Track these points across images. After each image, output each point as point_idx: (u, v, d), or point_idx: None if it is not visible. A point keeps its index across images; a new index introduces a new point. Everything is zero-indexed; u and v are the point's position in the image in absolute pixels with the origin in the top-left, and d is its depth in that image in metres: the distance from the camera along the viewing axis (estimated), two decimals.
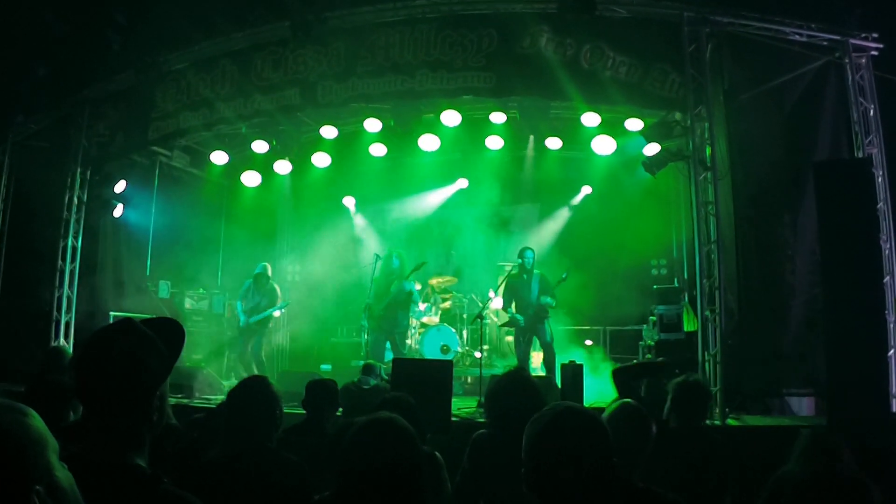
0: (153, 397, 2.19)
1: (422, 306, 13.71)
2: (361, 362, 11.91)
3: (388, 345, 12.19)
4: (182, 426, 5.21)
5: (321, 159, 14.02)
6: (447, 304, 14.24)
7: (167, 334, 2.28)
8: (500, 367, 11.47)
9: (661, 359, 10.36)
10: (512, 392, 4.39)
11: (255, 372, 12.07)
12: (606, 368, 12.09)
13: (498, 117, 12.37)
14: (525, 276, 11.74)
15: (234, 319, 14.29)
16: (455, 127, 12.36)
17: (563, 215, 15.02)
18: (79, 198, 13.00)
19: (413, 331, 13.45)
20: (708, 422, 9.09)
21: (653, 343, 11.59)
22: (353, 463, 2.80)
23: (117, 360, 2.11)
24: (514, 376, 4.63)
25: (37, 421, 1.59)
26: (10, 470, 1.49)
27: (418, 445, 2.90)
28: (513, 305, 11.78)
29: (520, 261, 11.81)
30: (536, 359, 12.43)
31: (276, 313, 13.56)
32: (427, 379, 8.09)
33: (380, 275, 12.39)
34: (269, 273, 13.46)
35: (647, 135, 11.03)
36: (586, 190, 14.90)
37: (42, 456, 1.55)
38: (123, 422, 2.12)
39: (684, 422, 5.15)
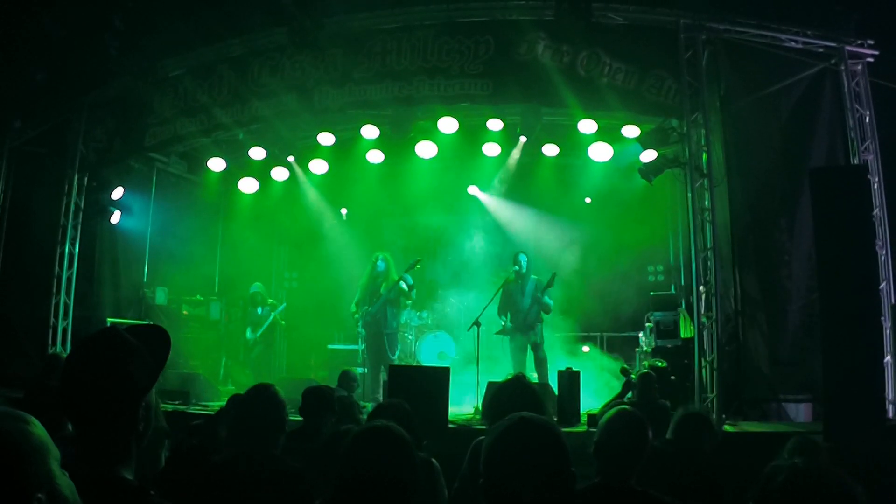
0: (139, 407, 2.16)
1: (419, 313, 13.74)
2: (360, 370, 11.95)
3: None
4: (182, 433, 5.22)
5: (318, 166, 14.05)
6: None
7: (153, 342, 2.25)
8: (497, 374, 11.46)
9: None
10: (512, 399, 4.40)
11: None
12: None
13: (495, 124, 12.37)
14: (520, 281, 11.73)
15: (232, 326, 14.35)
16: (452, 134, 12.36)
17: (559, 221, 15.02)
18: (76, 204, 12.99)
19: (409, 336, 13.44)
20: None
21: (649, 349, 11.59)
22: (349, 470, 2.81)
23: (100, 371, 2.09)
24: (515, 383, 4.64)
25: (38, 429, 1.60)
26: (12, 477, 1.49)
27: (414, 454, 2.91)
28: (507, 312, 11.77)
29: (515, 266, 11.79)
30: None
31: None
32: (424, 385, 8.10)
33: (366, 279, 12.40)
34: (262, 291, 14.06)
35: (644, 141, 11.04)
36: (590, 198, 14.90)
37: (44, 464, 1.56)
38: (109, 433, 2.09)
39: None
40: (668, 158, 10.80)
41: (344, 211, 16.11)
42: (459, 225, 15.68)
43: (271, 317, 13.67)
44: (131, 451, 2.15)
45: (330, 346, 14.50)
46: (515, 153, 13.60)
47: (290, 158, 13.93)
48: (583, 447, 3.51)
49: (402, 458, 2.83)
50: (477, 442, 4.53)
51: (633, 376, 8.72)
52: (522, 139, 12.82)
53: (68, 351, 11.88)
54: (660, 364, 9.90)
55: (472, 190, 15.20)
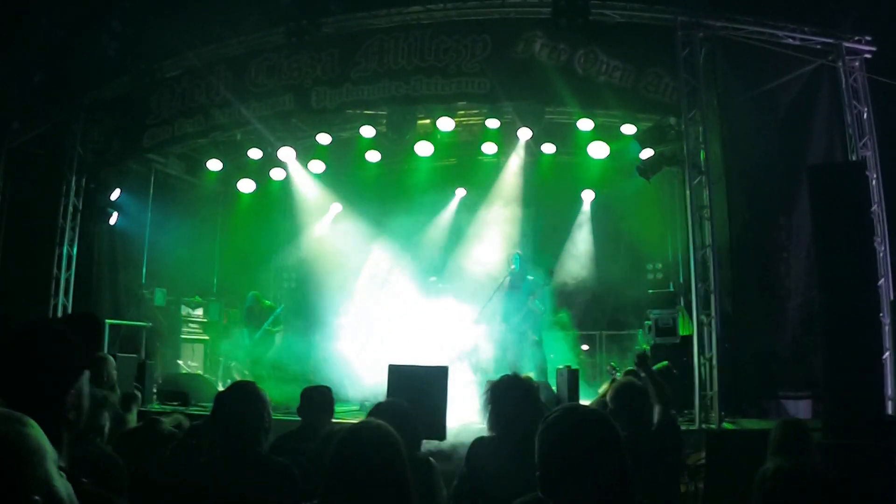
0: (67, 395, 2.14)
1: None
2: None
3: None
4: (180, 433, 5.21)
5: (316, 165, 14.06)
6: None
7: (83, 330, 2.27)
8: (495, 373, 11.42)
9: (664, 363, 10.35)
10: (510, 397, 4.40)
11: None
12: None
13: (493, 123, 12.37)
14: (516, 280, 11.69)
15: (231, 326, 14.32)
16: (450, 132, 12.37)
17: (558, 220, 15.01)
18: (74, 205, 13.01)
19: None
20: (704, 426, 9.15)
21: (648, 347, 11.58)
22: (336, 469, 2.82)
23: (27, 360, 2.10)
24: (512, 381, 4.63)
25: (35, 431, 1.60)
26: (10, 479, 1.49)
27: (402, 451, 2.91)
28: (505, 312, 11.73)
29: (511, 265, 11.76)
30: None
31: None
32: (423, 384, 8.08)
33: (364, 279, 12.38)
34: (258, 296, 13.90)
35: (642, 139, 11.05)
36: (589, 196, 14.88)
37: (41, 466, 1.56)
38: (38, 421, 2.02)
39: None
40: (666, 156, 10.80)
41: (336, 206, 16.13)
42: (457, 223, 15.67)
43: (270, 319, 13.63)
44: (62, 438, 2.11)
45: (329, 346, 14.44)
46: (518, 151, 13.61)
47: (286, 151, 13.89)
48: None
49: (389, 455, 2.83)
50: (475, 440, 4.52)
51: (618, 375, 8.71)
52: (526, 134, 12.72)
53: None
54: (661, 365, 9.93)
55: (469, 188, 15.17)
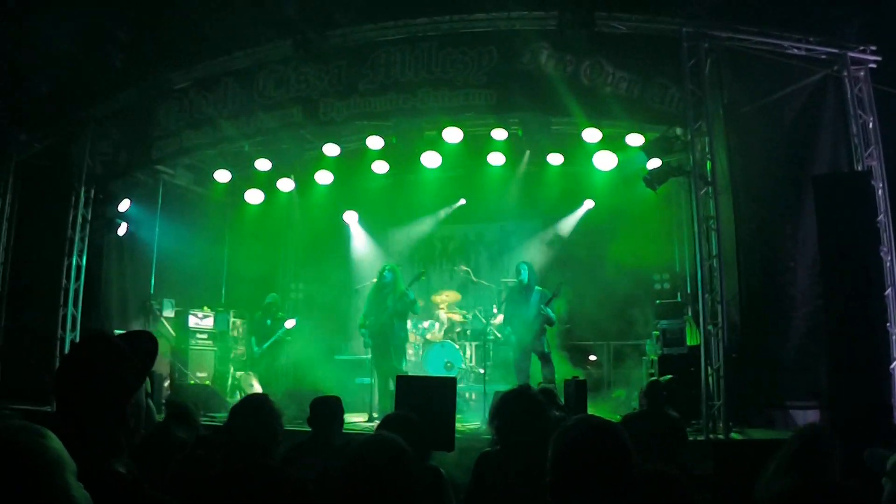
0: (128, 405, 2.26)
1: (425, 323, 13.71)
2: (367, 380, 11.96)
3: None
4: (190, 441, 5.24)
5: (324, 177, 14.09)
6: (455, 316, 14.09)
7: (141, 346, 2.37)
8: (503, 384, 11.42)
9: (668, 376, 10.38)
10: (518, 410, 4.40)
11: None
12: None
13: (499, 134, 12.37)
14: (524, 291, 11.68)
15: (240, 337, 14.35)
16: (457, 144, 12.39)
17: (565, 230, 15.05)
18: (83, 216, 13.07)
19: (416, 346, 13.45)
20: (712, 436, 9.15)
21: (656, 358, 11.58)
22: (350, 483, 2.85)
23: (93, 372, 2.19)
24: (520, 394, 4.64)
25: (54, 442, 1.63)
26: (29, 490, 1.52)
27: (411, 465, 2.94)
28: (512, 323, 11.73)
29: (518, 276, 11.76)
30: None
31: (289, 324, 13.75)
32: (431, 396, 8.10)
33: (373, 291, 12.36)
34: (277, 302, 14.03)
35: (648, 150, 11.04)
36: (588, 204, 14.89)
37: (60, 476, 1.59)
38: (102, 430, 2.17)
39: None
40: (673, 167, 10.80)
41: (353, 216, 16.17)
42: (466, 234, 15.71)
43: (279, 332, 13.63)
44: (123, 446, 2.24)
45: (337, 357, 14.48)
46: (525, 162, 13.68)
47: (291, 182, 13.94)
48: None
49: (400, 469, 2.86)
50: (483, 453, 4.53)
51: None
52: (533, 144, 12.76)
53: None
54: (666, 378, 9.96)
55: (477, 199, 15.21)
